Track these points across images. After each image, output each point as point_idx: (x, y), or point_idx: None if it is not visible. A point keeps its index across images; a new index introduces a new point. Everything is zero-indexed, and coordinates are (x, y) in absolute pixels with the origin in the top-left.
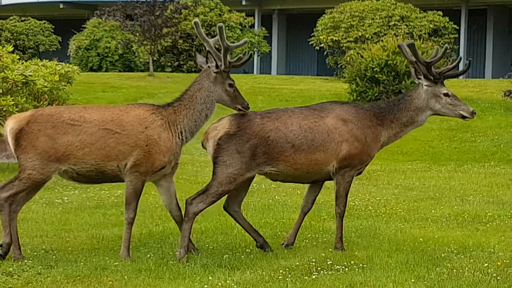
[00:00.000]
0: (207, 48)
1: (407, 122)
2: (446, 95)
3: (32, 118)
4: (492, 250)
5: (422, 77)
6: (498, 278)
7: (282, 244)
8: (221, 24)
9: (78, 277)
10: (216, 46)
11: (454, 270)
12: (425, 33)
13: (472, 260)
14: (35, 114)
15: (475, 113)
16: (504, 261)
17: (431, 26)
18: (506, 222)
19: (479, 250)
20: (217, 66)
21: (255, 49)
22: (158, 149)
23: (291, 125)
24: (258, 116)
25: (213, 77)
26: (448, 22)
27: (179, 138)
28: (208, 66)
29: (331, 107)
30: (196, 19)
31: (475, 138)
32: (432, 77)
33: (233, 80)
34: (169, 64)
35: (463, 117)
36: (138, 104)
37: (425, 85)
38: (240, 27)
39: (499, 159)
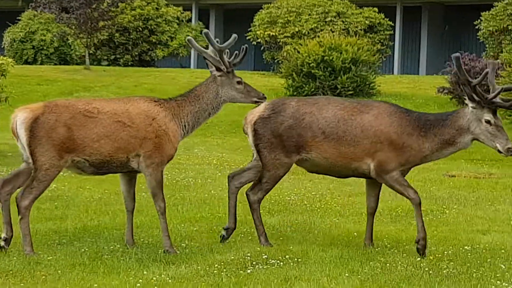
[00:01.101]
0: (205, 57)
1: (449, 141)
2: (487, 122)
3: (47, 109)
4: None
5: (467, 97)
6: (430, 272)
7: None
8: (206, 30)
9: (11, 272)
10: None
11: (388, 264)
12: (361, 29)
13: (405, 255)
14: (49, 105)
15: (511, 150)
16: (437, 255)
17: (366, 22)
18: (439, 217)
19: (412, 245)
20: (218, 69)
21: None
22: (168, 139)
23: (326, 111)
24: (295, 100)
25: (219, 81)
26: (383, 19)
27: (182, 130)
28: (211, 72)
29: (375, 105)
30: (189, 37)
31: None
32: (476, 100)
33: (240, 78)
34: (106, 57)
35: (498, 151)
36: (139, 96)
37: (471, 107)
38: (177, 21)
39: None
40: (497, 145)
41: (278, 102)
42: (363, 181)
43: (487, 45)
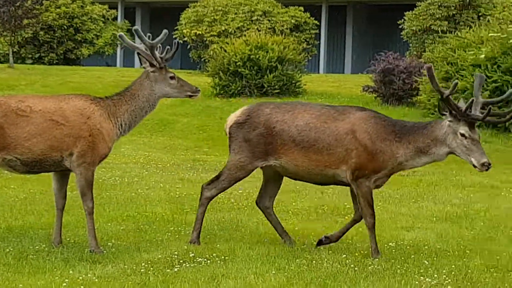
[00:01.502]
0: (138, 53)
1: (423, 149)
2: (462, 135)
3: None
4: (350, 241)
5: (443, 110)
6: (356, 268)
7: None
8: (136, 27)
9: None
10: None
11: (314, 261)
12: (287, 28)
13: (331, 252)
14: None
15: (486, 165)
16: (362, 252)
17: (292, 21)
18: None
19: (338, 242)
20: (151, 65)
21: (118, 42)
22: (102, 138)
23: (299, 120)
24: (271, 106)
25: (153, 77)
26: (309, 18)
27: (118, 129)
28: (144, 67)
29: (350, 112)
30: (121, 33)
31: None
32: (450, 112)
33: (173, 73)
34: (30, 55)
35: (474, 165)
36: (74, 94)
37: (448, 119)
38: (103, 19)
39: None
40: (472, 159)
41: (254, 108)
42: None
43: (410, 44)
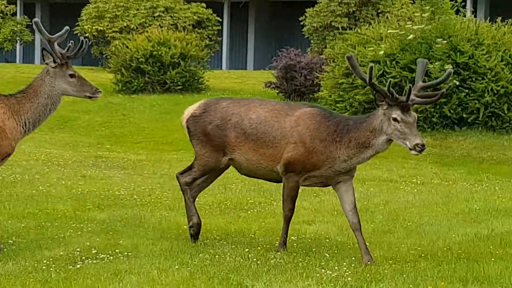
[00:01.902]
0: (42, 48)
1: (365, 144)
2: (395, 120)
3: None
4: (253, 235)
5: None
6: (258, 262)
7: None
8: (36, 19)
9: None
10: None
11: (217, 256)
12: (189, 25)
13: (234, 246)
14: None
15: (418, 147)
16: (264, 246)
17: (195, 17)
18: (267, 208)
19: (240, 236)
20: (54, 61)
21: (18, 38)
22: (4, 136)
23: (252, 113)
24: (228, 100)
25: (53, 72)
26: (211, 14)
27: (22, 128)
28: (46, 63)
29: (300, 107)
30: (36, 18)
31: None
32: (380, 98)
33: (74, 71)
34: None
35: (409, 149)
36: None
37: (382, 107)
38: (1, 15)
39: None
40: (406, 142)
41: (211, 102)
42: None
43: (312, 41)
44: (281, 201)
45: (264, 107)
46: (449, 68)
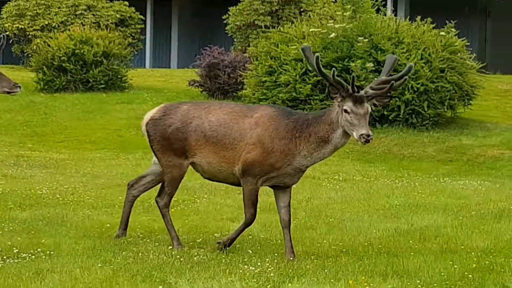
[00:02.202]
0: None
1: (323, 138)
2: (345, 111)
3: None
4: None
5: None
6: (182, 259)
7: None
8: None
9: None
10: None
11: (140, 254)
12: (112, 23)
13: (157, 244)
14: None
15: (364, 137)
16: (188, 243)
17: (117, 16)
18: (190, 206)
19: (164, 234)
20: None
21: None
22: None
23: (212, 116)
24: (188, 104)
25: None
26: (134, 13)
27: None
28: None
29: (259, 109)
30: None
31: None
32: (334, 90)
33: None
34: None
35: (357, 140)
36: None
37: (338, 100)
38: None
39: None
40: (353, 133)
41: (172, 105)
42: (116, 173)
43: (235, 39)
44: (245, 205)
45: (223, 109)
46: (370, 66)
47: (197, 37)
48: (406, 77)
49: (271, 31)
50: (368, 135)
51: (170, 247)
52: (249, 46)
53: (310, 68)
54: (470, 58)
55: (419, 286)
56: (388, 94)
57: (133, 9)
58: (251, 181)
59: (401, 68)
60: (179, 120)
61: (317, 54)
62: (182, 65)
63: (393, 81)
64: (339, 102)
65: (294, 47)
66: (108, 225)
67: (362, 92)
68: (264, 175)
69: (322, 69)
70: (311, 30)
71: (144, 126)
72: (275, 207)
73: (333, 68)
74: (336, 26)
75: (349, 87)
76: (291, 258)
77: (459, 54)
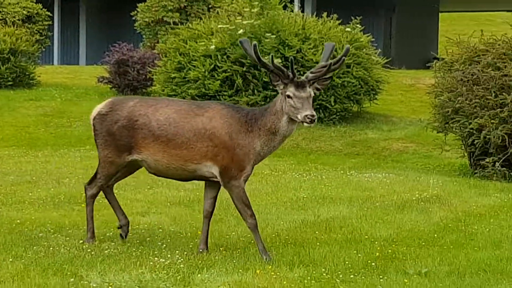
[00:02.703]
0: None
1: (271, 129)
2: (288, 97)
3: None
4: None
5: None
6: (93, 253)
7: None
8: None
9: None
10: None
11: (51, 248)
12: (18, 20)
13: (68, 238)
14: None
15: (308, 117)
16: (99, 237)
17: (24, 12)
18: (101, 201)
19: (75, 229)
20: None
21: None
22: None
23: (160, 114)
24: (135, 99)
25: None
26: (41, 9)
27: None
28: None
29: (208, 107)
30: None
31: (70, 123)
32: (275, 78)
33: None
34: None
35: (301, 122)
36: None
37: (280, 88)
38: None
39: (93, 143)
40: (298, 116)
41: (118, 101)
42: (25, 170)
43: (144, 36)
44: (240, 211)
45: (171, 107)
46: (278, 61)
47: (105, 33)
48: (344, 58)
49: (179, 28)
50: (313, 115)
51: (81, 241)
52: (158, 42)
53: (219, 65)
54: (376, 53)
55: (324, 274)
56: (328, 76)
57: (40, 5)
58: (234, 184)
59: (309, 64)
60: (125, 117)
61: (254, 42)
62: (91, 61)
63: (331, 63)
64: (282, 90)
65: (203, 43)
66: (18, 221)
67: (303, 77)
68: (241, 173)
69: (261, 58)
70: (219, 26)
71: (91, 120)
72: (185, 201)
73: (271, 55)
74: (244, 22)
75: (289, 73)
76: (201, 250)
77: (364, 50)
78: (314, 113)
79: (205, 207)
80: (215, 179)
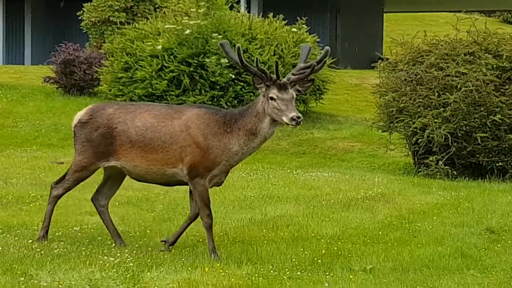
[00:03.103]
0: None
1: (251, 130)
2: (271, 98)
3: None
4: (36, 228)
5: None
6: (42, 252)
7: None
8: None
9: None
10: None
11: (1, 248)
12: None
13: (17, 238)
14: None
15: (295, 119)
16: (49, 237)
17: None
18: (44, 203)
19: (23, 229)
20: None
21: None
22: None
23: (138, 120)
24: (114, 106)
25: None
26: None
27: None
28: None
29: (186, 110)
30: None
31: (16, 123)
32: (258, 81)
33: None
34: None
35: (286, 123)
36: None
37: (262, 90)
38: None
39: (40, 144)
40: (283, 118)
41: (97, 108)
42: None
43: (90, 36)
44: (199, 208)
45: (150, 112)
46: (225, 62)
47: (51, 33)
48: (325, 59)
49: (126, 28)
50: (299, 117)
51: (30, 240)
52: (104, 42)
53: (166, 64)
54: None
55: (272, 271)
56: (309, 78)
57: None
58: (199, 182)
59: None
60: (105, 125)
61: (238, 45)
62: (36, 61)
63: (314, 64)
64: (264, 92)
65: (150, 43)
66: None
67: (285, 79)
68: (209, 173)
69: (244, 60)
70: (166, 26)
71: (72, 127)
72: (133, 200)
73: (256, 58)
74: (191, 22)
75: (273, 75)
76: (165, 241)
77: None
78: (300, 114)
79: (192, 210)
80: None
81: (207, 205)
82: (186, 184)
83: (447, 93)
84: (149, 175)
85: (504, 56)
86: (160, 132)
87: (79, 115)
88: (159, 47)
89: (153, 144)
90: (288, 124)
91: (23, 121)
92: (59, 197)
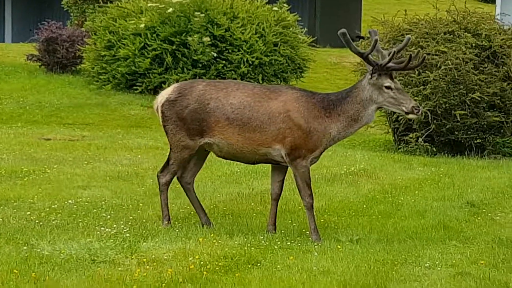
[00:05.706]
0: None
1: (353, 116)
2: (388, 87)
3: None
4: (32, 201)
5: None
6: (41, 223)
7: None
8: None
9: None
10: None
11: (1, 219)
12: None
13: (15, 210)
14: None
15: (416, 108)
16: (45, 210)
17: None
18: (41, 176)
19: (20, 202)
20: None
21: None
22: None
23: (233, 98)
24: (203, 83)
25: None
26: None
27: None
28: None
29: (283, 91)
30: None
31: (1, 101)
32: (372, 68)
33: None
34: None
35: (405, 113)
36: None
37: (368, 78)
38: None
39: (25, 120)
40: (403, 108)
41: (186, 85)
42: None
43: (71, 14)
44: (301, 189)
45: (243, 90)
46: (207, 40)
47: (32, 11)
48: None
49: (108, 6)
50: (419, 106)
51: (28, 212)
52: (86, 20)
53: (148, 43)
54: (302, 32)
55: (263, 241)
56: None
57: None
58: (301, 163)
59: (237, 43)
60: (196, 101)
61: (376, 37)
62: (17, 39)
63: (411, 55)
64: (373, 80)
65: (132, 21)
66: None
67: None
68: (311, 154)
69: (358, 49)
70: (149, 5)
71: (159, 107)
72: (123, 175)
73: (394, 50)
74: (174, 1)
75: (383, 64)
76: (269, 231)
77: (291, 29)
78: (418, 104)
79: (274, 190)
80: (284, 164)
81: (309, 185)
82: (271, 163)
83: (427, 71)
84: (242, 154)
85: (483, 35)
86: (258, 112)
87: (166, 93)
88: (142, 25)
89: (251, 123)
90: (407, 114)
91: (7, 98)
92: (168, 183)
